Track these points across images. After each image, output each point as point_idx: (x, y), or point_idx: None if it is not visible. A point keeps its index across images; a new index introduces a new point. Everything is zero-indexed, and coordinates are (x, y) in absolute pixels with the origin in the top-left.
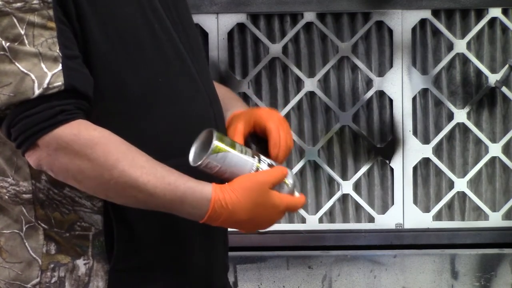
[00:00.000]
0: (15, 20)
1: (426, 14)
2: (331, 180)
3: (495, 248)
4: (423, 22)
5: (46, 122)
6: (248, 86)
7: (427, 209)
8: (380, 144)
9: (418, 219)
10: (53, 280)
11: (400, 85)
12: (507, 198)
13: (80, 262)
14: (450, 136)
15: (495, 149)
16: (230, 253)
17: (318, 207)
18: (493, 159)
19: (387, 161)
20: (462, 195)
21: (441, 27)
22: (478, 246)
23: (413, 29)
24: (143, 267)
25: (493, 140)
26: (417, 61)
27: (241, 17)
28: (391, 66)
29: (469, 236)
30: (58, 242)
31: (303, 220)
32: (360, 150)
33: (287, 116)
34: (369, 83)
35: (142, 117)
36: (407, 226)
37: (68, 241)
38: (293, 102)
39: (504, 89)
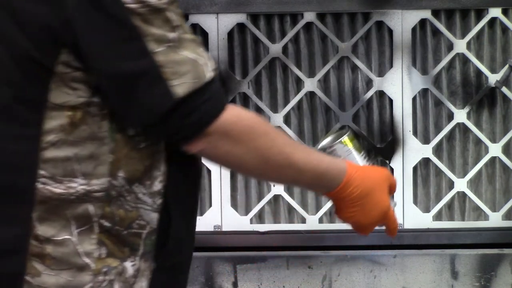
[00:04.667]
0: (170, 12)
1: (426, 14)
2: None
3: (495, 248)
4: (423, 22)
5: (218, 105)
6: (248, 86)
7: (427, 209)
8: (380, 144)
9: (418, 219)
10: (104, 284)
11: (400, 85)
12: (507, 198)
13: (128, 264)
14: (450, 136)
15: (495, 149)
16: (230, 253)
17: (318, 207)
18: (493, 159)
19: (387, 161)
20: (462, 195)
21: (441, 27)
22: (478, 246)
23: (413, 29)
24: (177, 267)
25: (493, 140)
26: (417, 61)
27: (241, 17)
28: (391, 66)
29: (469, 236)
30: (108, 245)
31: (303, 220)
32: None
33: (287, 116)
34: (369, 83)
35: None
36: (407, 226)
37: (123, 240)
38: (293, 102)
39: (504, 89)
